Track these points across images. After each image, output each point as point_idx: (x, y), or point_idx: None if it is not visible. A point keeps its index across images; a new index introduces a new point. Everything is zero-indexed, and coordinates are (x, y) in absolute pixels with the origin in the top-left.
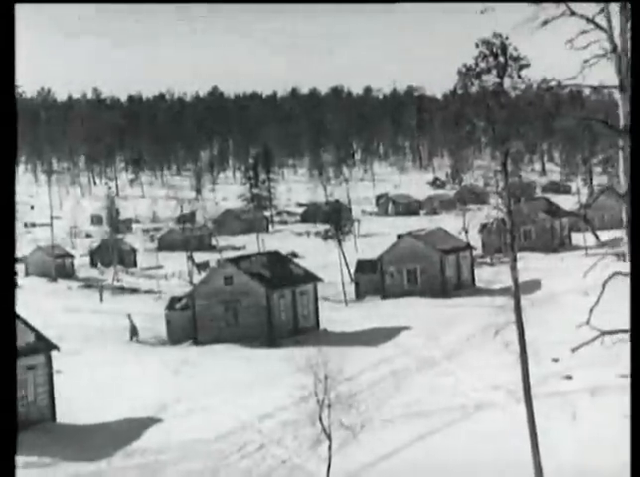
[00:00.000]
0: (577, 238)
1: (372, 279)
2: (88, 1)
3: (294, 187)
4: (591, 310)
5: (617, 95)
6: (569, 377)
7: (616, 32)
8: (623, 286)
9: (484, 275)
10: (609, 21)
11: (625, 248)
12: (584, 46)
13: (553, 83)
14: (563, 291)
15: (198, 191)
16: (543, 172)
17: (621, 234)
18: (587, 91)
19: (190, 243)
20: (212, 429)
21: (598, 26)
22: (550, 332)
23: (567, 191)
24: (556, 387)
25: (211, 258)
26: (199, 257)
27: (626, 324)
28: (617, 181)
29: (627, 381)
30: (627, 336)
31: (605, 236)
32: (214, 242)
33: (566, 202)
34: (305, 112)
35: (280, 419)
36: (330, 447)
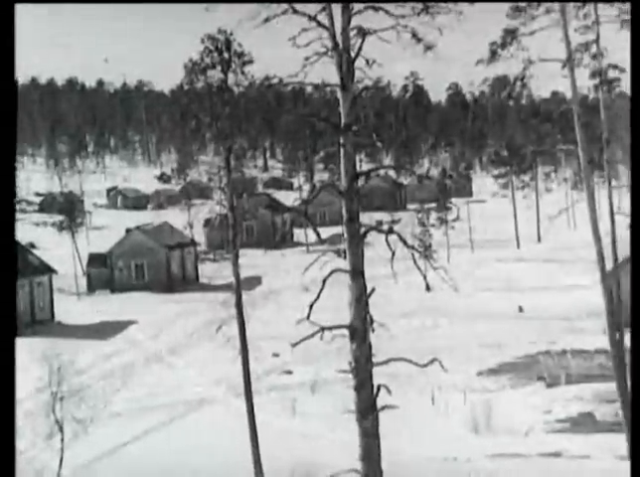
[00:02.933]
0: (299, 234)
1: (102, 273)
2: (89, 1)
3: (33, 176)
4: (311, 306)
5: (339, 93)
6: (289, 372)
7: (337, 30)
8: (342, 283)
9: (207, 271)
10: (331, 19)
11: (344, 245)
12: (306, 44)
13: (275, 81)
14: (284, 287)
15: None
16: (265, 168)
17: (341, 230)
18: (310, 89)
19: None
20: None
21: (320, 24)
22: (270, 327)
23: (289, 187)
24: (276, 382)
25: None
26: None
27: (345, 320)
28: (337, 178)
29: (347, 376)
30: (346, 331)
31: (326, 232)
32: None
33: (288, 198)
34: (42, 102)
35: (19, 410)
36: (62, 440)
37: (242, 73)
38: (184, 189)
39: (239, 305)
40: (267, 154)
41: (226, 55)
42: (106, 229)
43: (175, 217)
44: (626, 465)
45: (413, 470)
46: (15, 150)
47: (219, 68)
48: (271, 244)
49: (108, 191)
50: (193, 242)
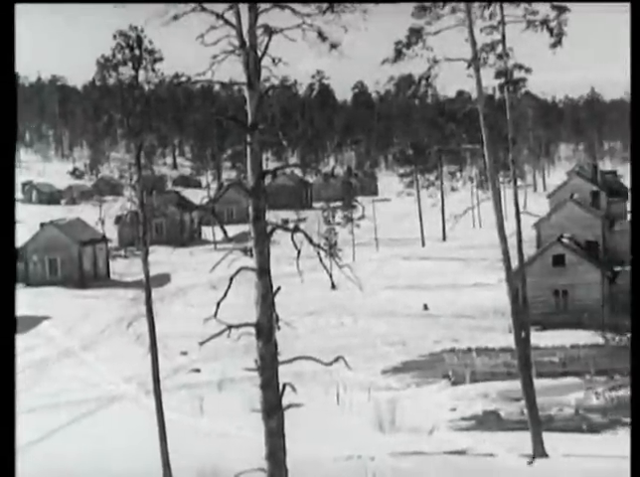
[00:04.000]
0: (207, 231)
1: (18, 267)
2: (89, 1)
3: None
4: (218, 304)
5: (246, 92)
6: (197, 370)
7: (245, 29)
8: (251, 280)
9: (119, 267)
10: (238, 18)
11: (251, 243)
12: (214, 42)
13: (184, 79)
14: (192, 285)
15: None
16: (174, 166)
17: (247, 228)
18: (218, 87)
19: None
20: None
21: (227, 22)
22: (179, 325)
23: (198, 185)
24: (184, 380)
25: None
26: None
27: (251, 318)
28: (244, 176)
29: (254, 374)
30: (252, 329)
31: (234, 230)
32: None
33: (197, 196)
34: None
35: None
36: None
37: (153, 70)
38: (96, 185)
39: (148, 302)
40: (176, 152)
41: (137, 51)
42: (21, 223)
43: (87, 212)
44: (532, 463)
45: (318, 469)
46: (15, 149)
47: (130, 64)
48: (180, 242)
49: (23, 185)
50: (104, 239)
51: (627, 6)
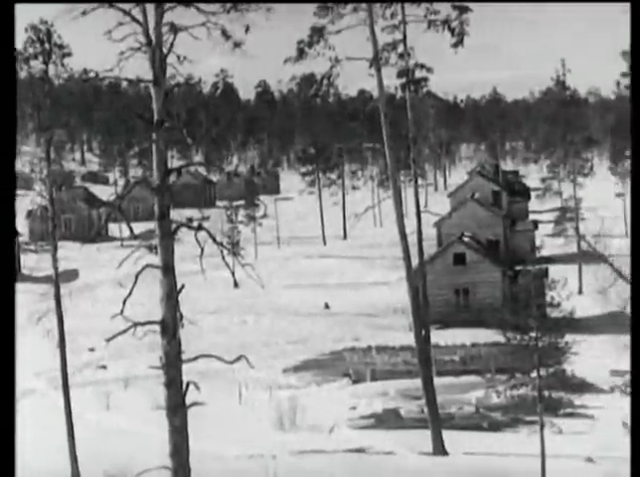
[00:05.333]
0: (114, 228)
1: None
2: (89, 1)
3: None
4: (124, 301)
5: (152, 89)
6: (104, 367)
7: (151, 26)
8: (154, 278)
9: (29, 262)
10: (145, 15)
11: (156, 241)
12: (121, 38)
13: (92, 74)
14: (99, 281)
15: None
16: (83, 162)
17: (153, 226)
18: (125, 84)
19: None
20: None
21: (134, 19)
22: (87, 321)
23: (106, 181)
24: (91, 376)
25: None
26: None
27: (157, 315)
28: (150, 174)
29: (159, 371)
30: (157, 327)
31: (140, 228)
32: None
33: (104, 192)
34: None
35: None
36: None
37: (62, 64)
38: None
39: (57, 298)
40: (85, 148)
41: (47, 45)
42: None
43: None
44: (430, 461)
45: (221, 467)
46: (15, 148)
47: (40, 58)
48: (88, 238)
49: None
50: (15, 233)
51: (627, 6)
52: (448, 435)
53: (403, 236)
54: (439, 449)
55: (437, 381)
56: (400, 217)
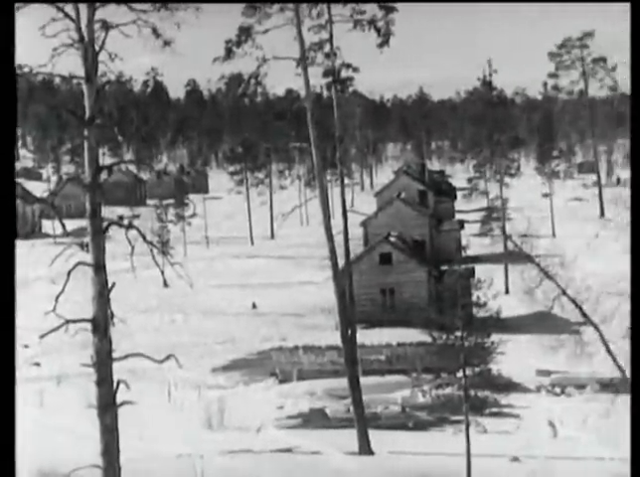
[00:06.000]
0: (47, 225)
1: None
2: (89, 1)
3: None
4: (57, 298)
5: (84, 86)
6: (38, 364)
7: (83, 23)
8: (85, 275)
9: None
10: (77, 12)
11: (87, 238)
12: (54, 34)
13: (26, 69)
14: (34, 278)
15: None
16: (17, 157)
17: (85, 223)
18: (59, 80)
19: None
20: None
21: (67, 16)
22: (21, 317)
23: (39, 178)
24: (26, 373)
25: None
26: None
27: (88, 313)
28: (82, 171)
29: (89, 370)
30: (89, 325)
31: (73, 225)
32: None
33: (38, 188)
34: None
35: None
36: None
37: None
38: None
39: None
40: (19, 143)
41: None
42: None
43: None
44: (355, 460)
45: (150, 466)
46: (15, 147)
47: None
48: (22, 234)
49: None
50: None
51: (627, 6)
52: (374, 435)
53: (330, 235)
54: (365, 449)
55: (363, 380)
56: (327, 216)
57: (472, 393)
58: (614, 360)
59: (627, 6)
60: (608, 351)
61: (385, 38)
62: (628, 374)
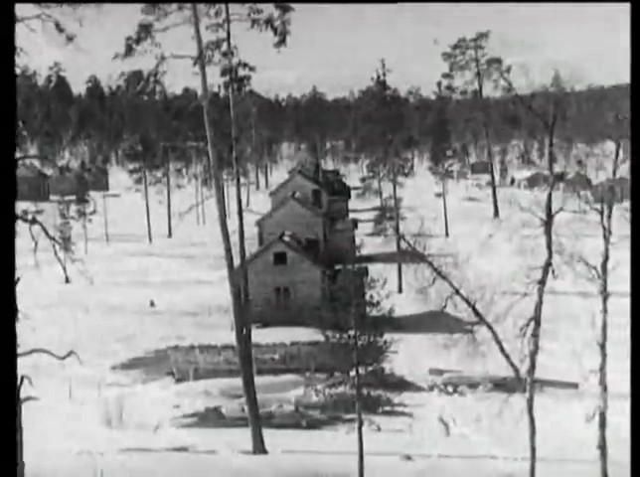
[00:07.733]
0: None
1: None
2: (90, 1)
3: None
4: None
5: None
6: None
7: None
8: None
9: None
10: None
11: None
12: None
13: None
14: None
15: None
16: None
17: None
18: None
19: None
20: None
21: None
22: None
23: None
24: None
25: None
26: None
27: None
28: None
29: None
30: None
31: None
32: None
33: None
34: None
35: None
36: None
37: None
38: None
39: None
40: None
41: None
42: None
43: None
44: (250, 459)
45: (50, 464)
46: (15, 146)
47: None
48: None
49: None
50: None
51: (627, 6)
52: (268, 434)
53: (226, 234)
54: (259, 448)
55: (258, 379)
56: (222, 215)
57: (365, 391)
58: (508, 359)
59: (520, 6)
60: (502, 350)
61: (281, 37)
62: (522, 373)
